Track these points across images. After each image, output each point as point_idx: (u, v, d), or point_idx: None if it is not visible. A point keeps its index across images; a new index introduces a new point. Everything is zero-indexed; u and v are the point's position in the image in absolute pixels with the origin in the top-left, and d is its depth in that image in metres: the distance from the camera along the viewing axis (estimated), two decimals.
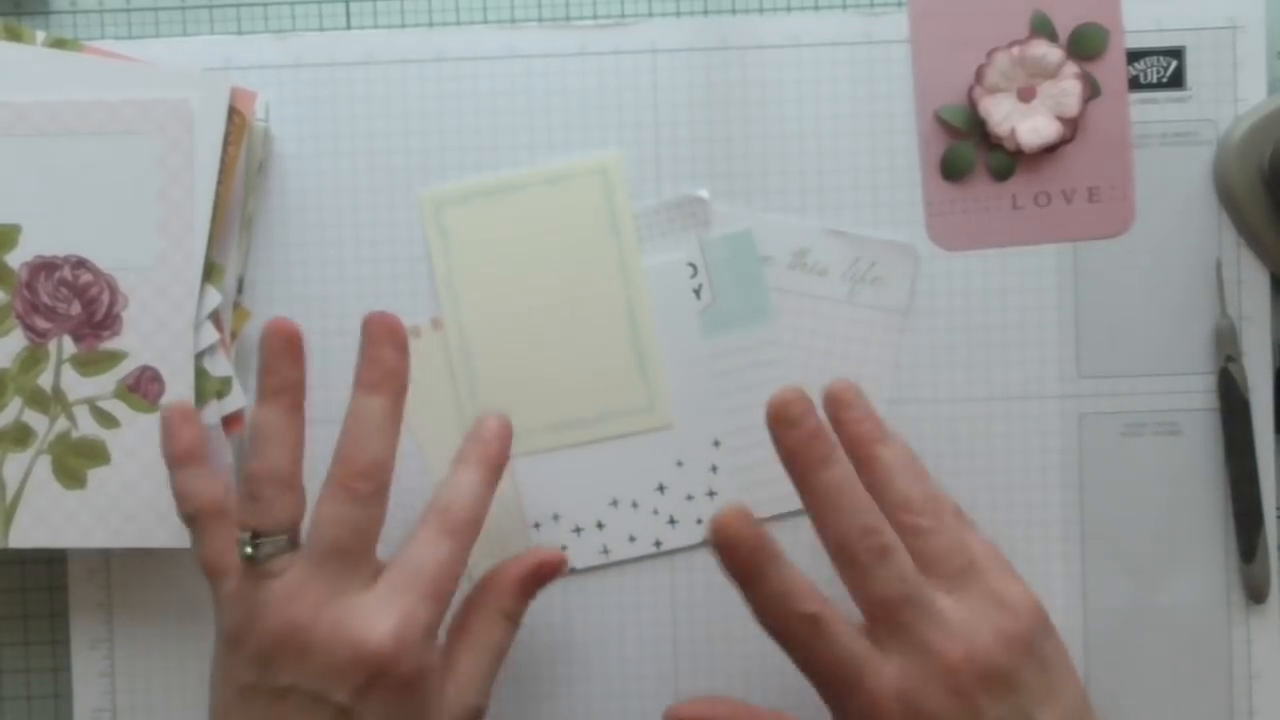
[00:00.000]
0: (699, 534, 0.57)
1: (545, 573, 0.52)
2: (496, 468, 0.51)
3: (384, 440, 0.49)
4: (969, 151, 0.57)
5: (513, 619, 0.52)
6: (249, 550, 0.48)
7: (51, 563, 0.58)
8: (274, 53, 0.57)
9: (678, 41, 0.57)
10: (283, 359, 0.49)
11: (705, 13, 0.58)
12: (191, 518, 0.50)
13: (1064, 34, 0.56)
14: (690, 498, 0.57)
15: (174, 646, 0.58)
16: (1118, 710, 0.57)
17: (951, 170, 0.57)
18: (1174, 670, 0.57)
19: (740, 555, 0.47)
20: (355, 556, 0.47)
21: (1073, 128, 0.56)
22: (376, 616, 0.47)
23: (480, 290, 0.57)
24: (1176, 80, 0.57)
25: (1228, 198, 0.56)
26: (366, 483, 0.48)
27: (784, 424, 0.47)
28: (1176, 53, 0.57)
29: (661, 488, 0.57)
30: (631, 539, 0.57)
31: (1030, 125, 0.56)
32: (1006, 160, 0.57)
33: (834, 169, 0.57)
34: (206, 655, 0.57)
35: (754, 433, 0.55)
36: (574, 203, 0.57)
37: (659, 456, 0.57)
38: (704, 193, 0.57)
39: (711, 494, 0.57)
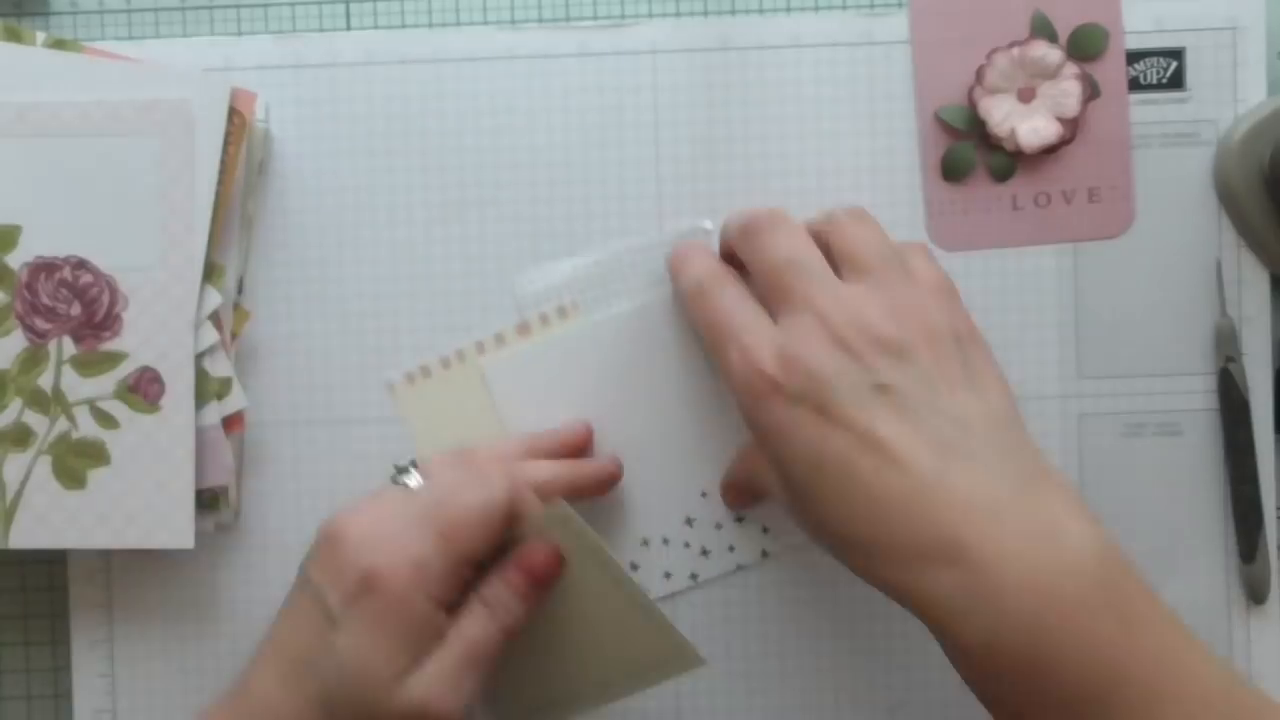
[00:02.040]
0: (733, 561, 0.57)
1: (536, 569, 0.50)
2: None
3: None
4: (969, 152, 0.57)
5: (495, 610, 0.49)
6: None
7: (51, 563, 0.58)
8: (274, 53, 0.57)
9: (678, 41, 0.57)
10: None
11: (705, 13, 0.58)
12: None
13: (1064, 34, 0.56)
14: (719, 526, 0.57)
15: (174, 646, 0.58)
16: None
17: (951, 171, 0.57)
18: None
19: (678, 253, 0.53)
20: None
21: (1073, 128, 0.56)
22: (394, 540, 0.48)
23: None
24: (1176, 81, 0.57)
25: (1228, 198, 0.56)
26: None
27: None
28: (1176, 53, 0.57)
29: (689, 520, 0.57)
30: (667, 575, 0.57)
31: (1030, 126, 0.56)
32: (1006, 161, 0.57)
33: (834, 169, 0.57)
34: (206, 655, 0.57)
35: None
36: None
37: (682, 490, 0.57)
38: (708, 224, 0.57)
39: (740, 519, 0.57)
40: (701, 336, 0.51)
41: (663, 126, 0.57)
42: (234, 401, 0.56)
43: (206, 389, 0.55)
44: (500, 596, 0.49)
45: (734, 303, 0.49)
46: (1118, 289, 0.57)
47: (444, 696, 0.47)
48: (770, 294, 0.49)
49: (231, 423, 0.56)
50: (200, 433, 0.55)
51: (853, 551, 0.45)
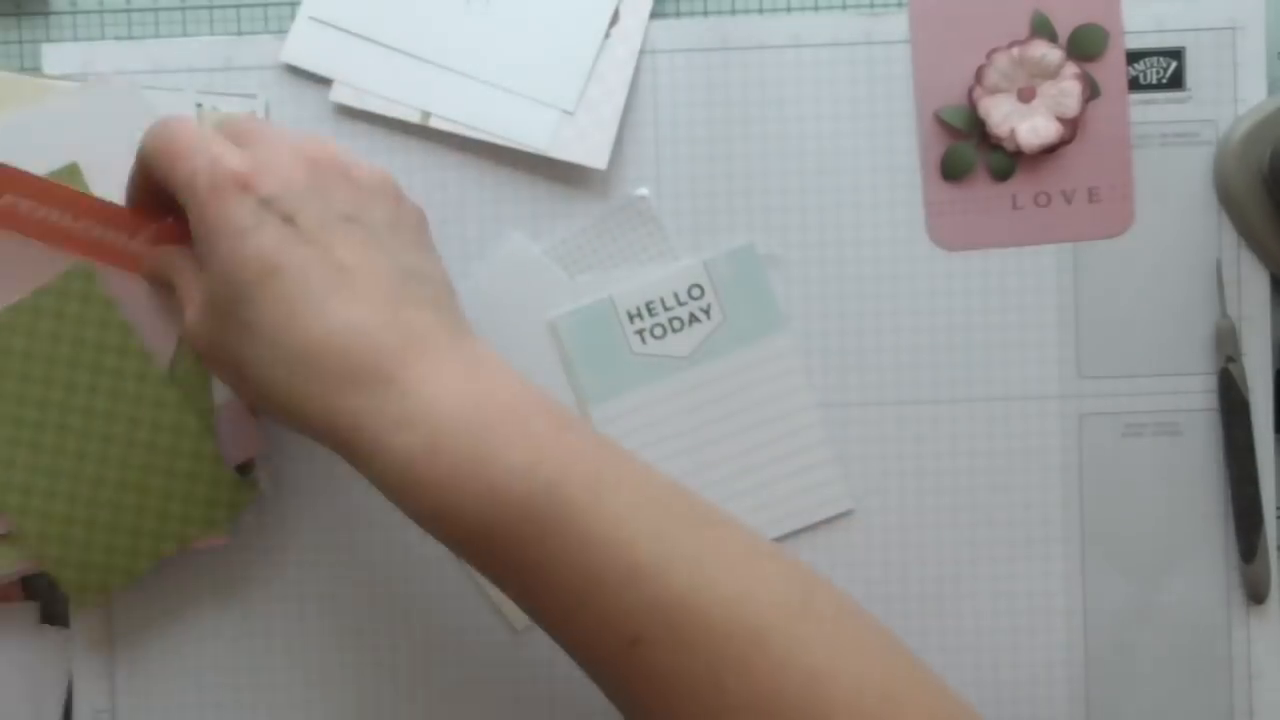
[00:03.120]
0: None
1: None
2: None
3: None
4: (969, 152, 0.57)
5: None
6: None
7: None
8: (274, 53, 0.57)
9: (678, 41, 0.57)
10: None
11: (705, 13, 0.58)
12: None
13: (1064, 34, 0.56)
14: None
15: (174, 646, 0.58)
16: (1118, 710, 0.57)
17: (951, 170, 0.57)
18: (1174, 670, 0.57)
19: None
20: None
21: (1072, 128, 0.56)
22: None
23: None
24: (1176, 81, 0.57)
25: (1227, 198, 0.56)
26: None
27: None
28: (1176, 53, 0.57)
29: None
30: None
31: (1030, 126, 0.56)
32: (1006, 161, 0.57)
33: (834, 169, 0.57)
34: (207, 655, 0.57)
35: (786, 442, 0.56)
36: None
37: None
38: (644, 190, 0.57)
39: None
40: (158, 167, 0.48)
41: (663, 126, 0.57)
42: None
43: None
44: None
45: (197, 129, 0.48)
46: (1118, 289, 0.57)
47: None
48: (166, 148, 0.47)
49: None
50: (220, 410, 0.55)
51: (275, 366, 0.44)
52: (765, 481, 0.57)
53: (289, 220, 0.45)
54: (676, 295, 0.56)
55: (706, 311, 0.56)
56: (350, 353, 0.44)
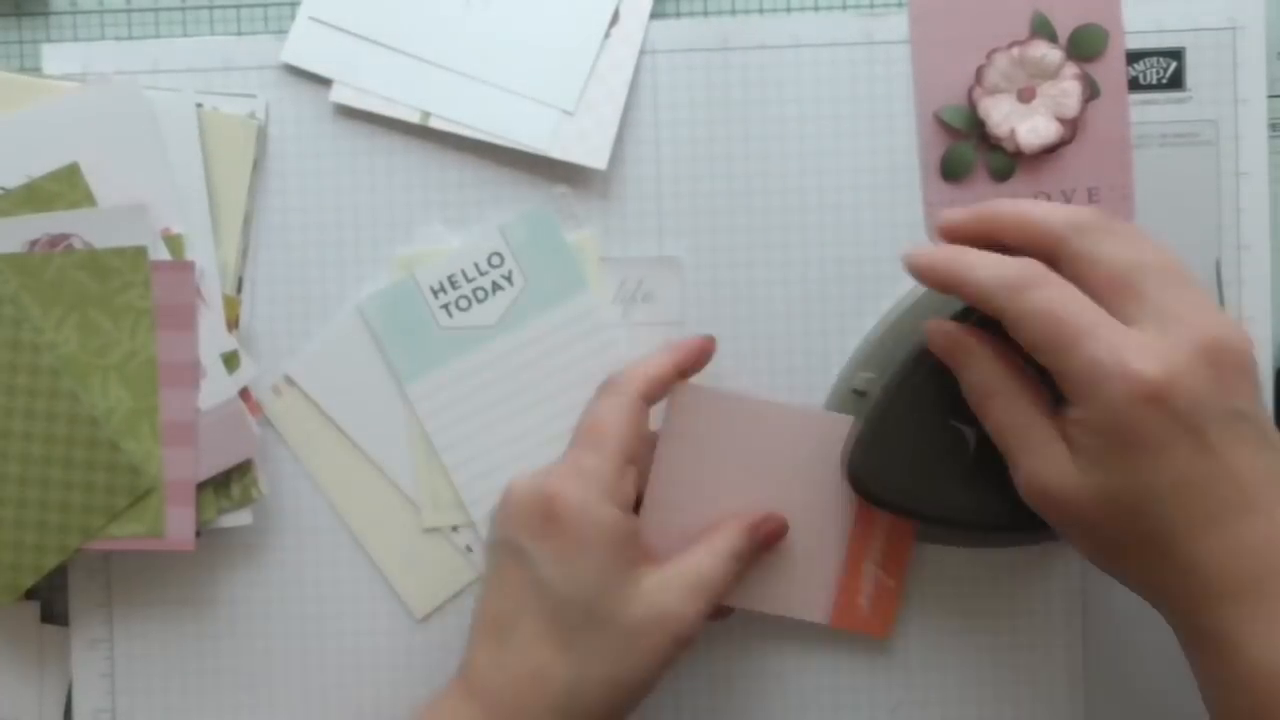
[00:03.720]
0: None
1: (770, 529, 0.54)
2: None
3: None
4: (969, 152, 0.57)
5: (736, 559, 0.52)
6: None
7: None
8: (273, 53, 0.57)
9: (678, 41, 0.57)
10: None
11: (705, 13, 0.58)
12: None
13: (1064, 35, 0.56)
14: None
15: (174, 646, 0.58)
16: (1118, 710, 0.57)
17: (951, 171, 0.57)
18: (1174, 670, 0.57)
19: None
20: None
21: (1072, 128, 0.56)
22: (558, 471, 0.50)
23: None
24: (1176, 81, 0.57)
25: None
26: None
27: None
28: (1176, 53, 0.57)
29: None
30: None
31: (1030, 126, 0.56)
32: (1006, 161, 0.57)
33: (834, 169, 0.57)
34: (207, 655, 0.57)
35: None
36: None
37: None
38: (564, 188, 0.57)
39: None
40: (1025, 331, 0.45)
41: (662, 126, 0.57)
42: (245, 373, 0.56)
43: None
44: (745, 549, 0.53)
45: (1074, 296, 0.45)
46: None
47: (682, 602, 0.50)
48: (1116, 295, 0.45)
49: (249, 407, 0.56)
50: (217, 409, 0.55)
51: (1151, 572, 0.45)
52: None
53: (1196, 433, 0.43)
54: (477, 265, 0.56)
55: (509, 278, 0.56)
56: (1234, 565, 0.43)
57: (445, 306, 0.56)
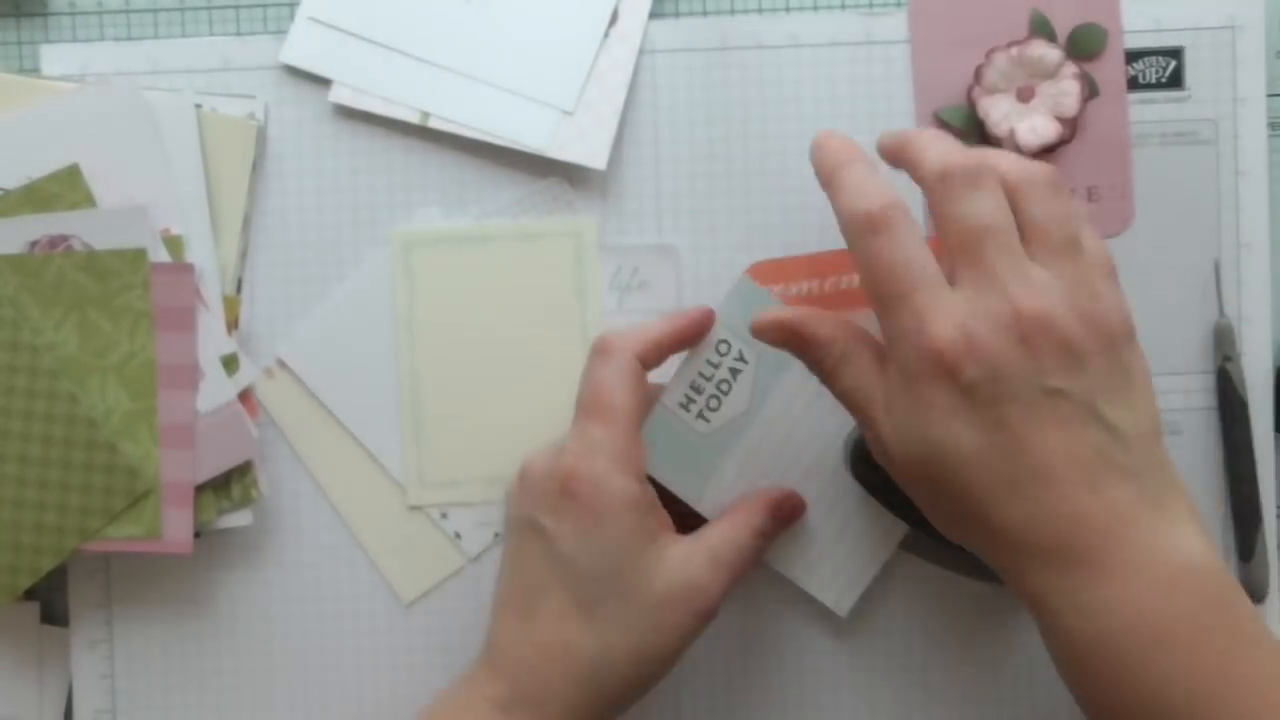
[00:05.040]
0: None
1: (791, 506, 0.54)
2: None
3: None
4: None
5: (758, 535, 0.51)
6: None
7: None
8: (273, 53, 0.57)
9: (677, 41, 0.57)
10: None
11: (704, 13, 0.58)
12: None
13: (1063, 34, 0.56)
14: None
15: (174, 646, 0.58)
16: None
17: None
18: None
19: (820, 159, 0.49)
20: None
21: (1072, 128, 0.56)
22: (570, 448, 0.50)
23: (437, 335, 0.57)
24: (1175, 80, 0.57)
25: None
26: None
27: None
28: (1175, 53, 0.57)
29: None
30: None
31: (1029, 125, 0.56)
32: None
33: None
34: (207, 655, 0.58)
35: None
36: (544, 262, 0.57)
37: None
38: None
39: None
40: (861, 275, 0.46)
41: (662, 126, 0.57)
42: (245, 375, 0.56)
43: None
44: (768, 526, 0.52)
45: (912, 251, 0.45)
46: None
47: (705, 575, 0.49)
48: (957, 254, 0.45)
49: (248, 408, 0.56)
50: (216, 411, 0.55)
51: (972, 533, 0.46)
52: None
53: (990, 405, 0.43)
54: (709, 361, 0.54)
55: (741, 358, 0.54)
56: (1034, 534, 0.44)
57: (700, 415, 0.54)
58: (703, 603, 0.49)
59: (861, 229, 0.46)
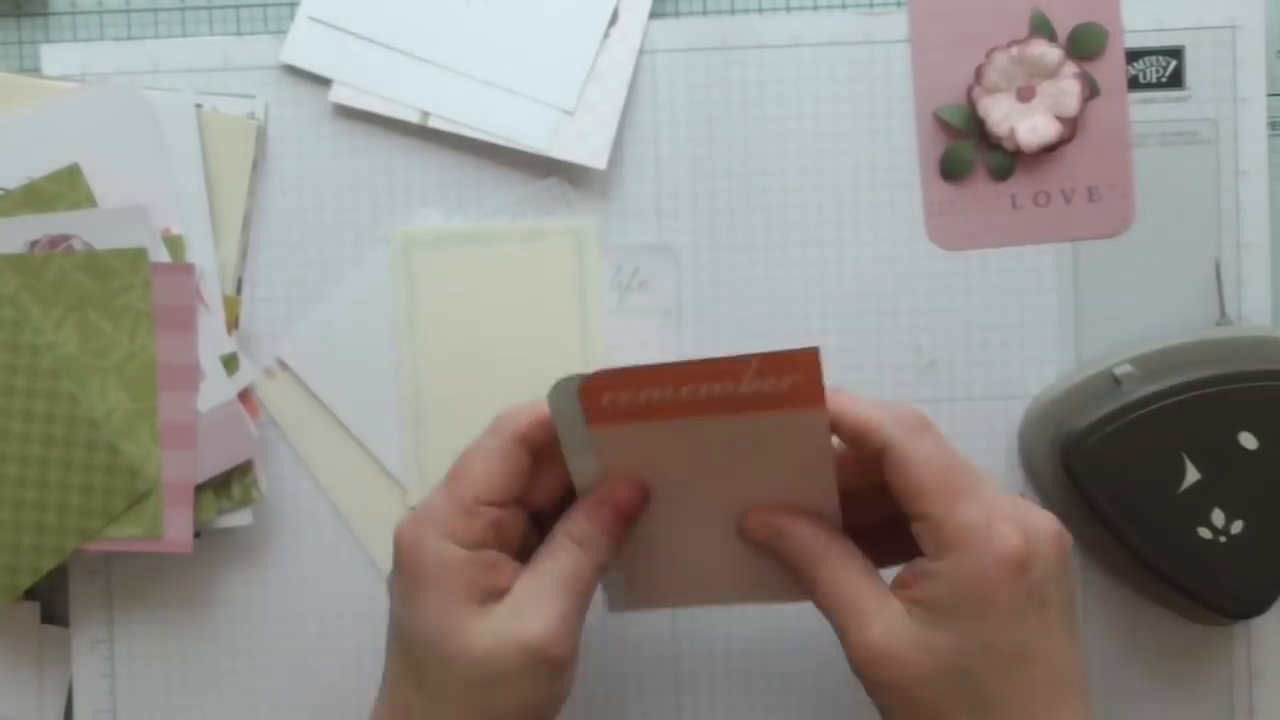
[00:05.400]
0: None
1: (620, 505, 0.48)
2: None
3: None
4: (968, 151, 0.57)
5: (585, 546, 0.47)
6: None
7: None
8: (273, 53, 0.57)
9: (677, 41, 0.57)
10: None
11: (704, 13, 0.58)
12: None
13: (1063, 34, 0.56)
14: None
15: (174, 647, 0.58)
16: (1119, 710, 0.57)
17: (951, 170, 0.57)
18: (1174, 670, 0.57)
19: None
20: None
21: (1072, 127, 0.56)
22: (408, 513, 0.48)
23: (437, 335, 0.57)
24: (1176, 80, 0.57)
25: (1027, 462, 0.57)
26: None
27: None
28: (1176, 52, 0.57)
29: None
30: None
31: (1029, 125, 0.56)
32: (1006, 160, 0.57)
33: (834, 169, 0.57)
34: (206, 655, 0.58)
35: None
36: (544, 262, 0.57)
37: None
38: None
39: None
40: (915, 473, 0.45)
41: (662, 126, 0.57)
42: (245, 375, 0.56)
43: None
44: (586, 531, 0.47)
45: (957, 451, 0.46)
46: (1117, 288, 0.57)
47: (533, 618, 0.46)
48: (948, 479, 0.45)
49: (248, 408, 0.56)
50: (216, 410, 0.55)
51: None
52: None
53: (1045, 605, 0.45)
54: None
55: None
56: None
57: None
58: (540, 644, 0.45)
59: (911, 428, 0.45)
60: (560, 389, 0.45)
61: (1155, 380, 0.54)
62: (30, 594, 0.57)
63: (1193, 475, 0.53)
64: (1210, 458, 0.53)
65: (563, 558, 0.47)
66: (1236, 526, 0.53)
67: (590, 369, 0.45)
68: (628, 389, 0.45)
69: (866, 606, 0.45)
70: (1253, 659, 0.57)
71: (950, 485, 0.45)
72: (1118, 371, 0.55)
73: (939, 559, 0.45)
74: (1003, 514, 0.45)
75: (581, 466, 0.47)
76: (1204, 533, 0.53)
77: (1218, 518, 0.53)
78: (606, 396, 0.46)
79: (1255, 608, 0.54)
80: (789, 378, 0.45)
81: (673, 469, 0.47)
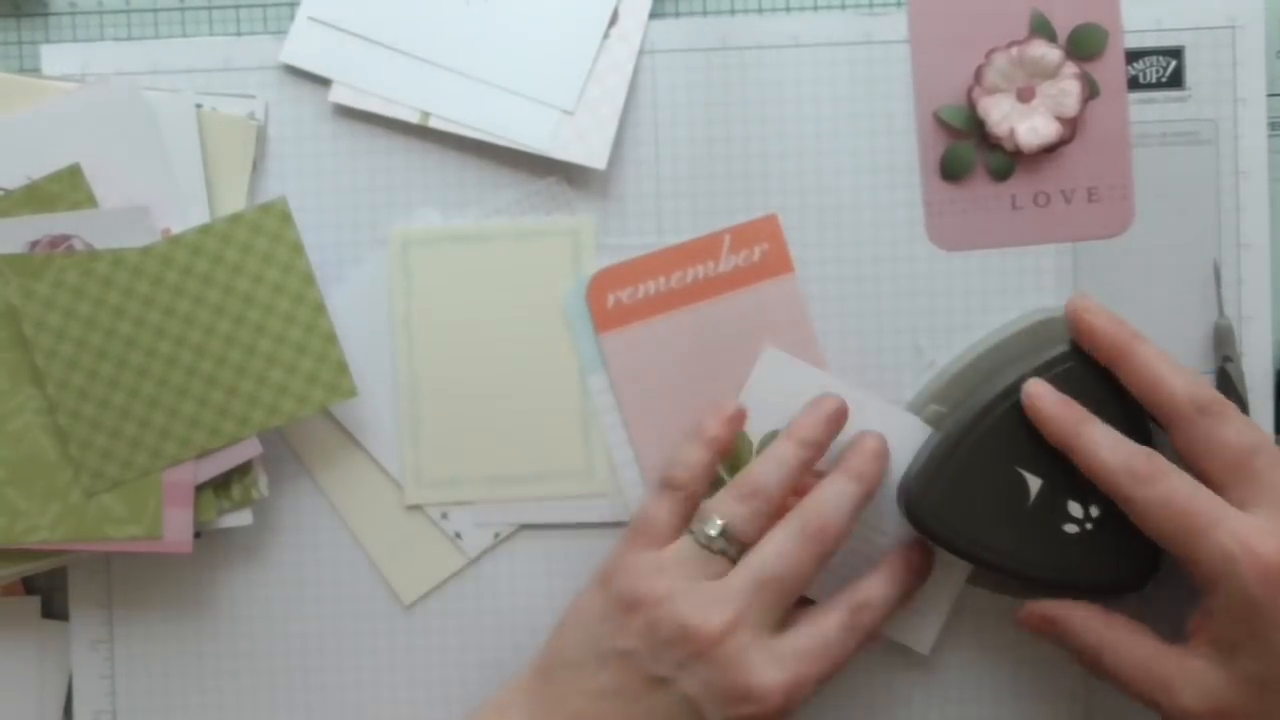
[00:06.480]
0: None
1: (909, 561, 0.54)
2: (870, 487, 0.53)
3: (849, 516, 0.52)
4: (968, 152, 0.57)
5: (848, 630, 0.52)
6: (712, 534, 0.51)
7: None
8: (273, 53, 0.57)
9: (677, 41, 0.57)
10: (823, 425, 0.53)
11: (704, 13, 0.58)
12: (672, 481, 0.53)
13: (1063, 34, 0.56)
14: None
15: (174, 647, 0.58)
16: (1119, 711, 0.57)
17: (951, 170, 0.57)
18: None
19: (1052, 428, 0.52)
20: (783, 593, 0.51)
21: (1072, 128, 0.56)
22: (713, 606, 0.50)
23: (435, 334, 0.57)
24: (1176, 80, 0.57)
25: None
26: (821, 542, 0.51)
27: (1085, 313, 0.53)
28: (1176, 52, 0.57)
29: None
30: None
31: (1029, 125, 0.56)
32: (1006, 160, 0.57)
33: (834, 169, 0.57)
34: (207, 655, 0.58)
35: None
36: (543, 262, 0.57)
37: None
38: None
39: None
40: (1152, 520, 0.50)
41: (662, 126, 0.57)
42: None
43: None
44: (859, 621, 0.52)
45: (1194, 487, 0.49)
46: (1117, 289, 0.57)
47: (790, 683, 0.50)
48: (1233, 477, 0.49)
49: None
50: None
51: None
52: None
53: None
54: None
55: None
56: None
57: None
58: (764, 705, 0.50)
59: (1140, 479, 0.50)
60: (571, 295, 0.52)
61: (964, 410, 0.54)
62: (30, 589, 0.57)
63: (1035, 483, 0.53)
64: (1043, 461, 0.53)
65: (825, 624, 0.52)
66: (1095, 510, 0.53)
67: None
68: (627, 284, 0.55)
69: (1166, 676, 0.49)
70: None
71: (1188, 524, 0.48)
72: (924, 416, 0.56)
73: (1209, 595, 0.49)
74: (1259, 530, 0.47)
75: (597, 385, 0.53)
76: (1070, 528, 0.53)
77: (1075, 510, 0.53)
78: (610, 296, 0.54)
79: (1149, 569, 0.54)
80: (759, 246, 0.55)
81: (674, 361, 0.53)
